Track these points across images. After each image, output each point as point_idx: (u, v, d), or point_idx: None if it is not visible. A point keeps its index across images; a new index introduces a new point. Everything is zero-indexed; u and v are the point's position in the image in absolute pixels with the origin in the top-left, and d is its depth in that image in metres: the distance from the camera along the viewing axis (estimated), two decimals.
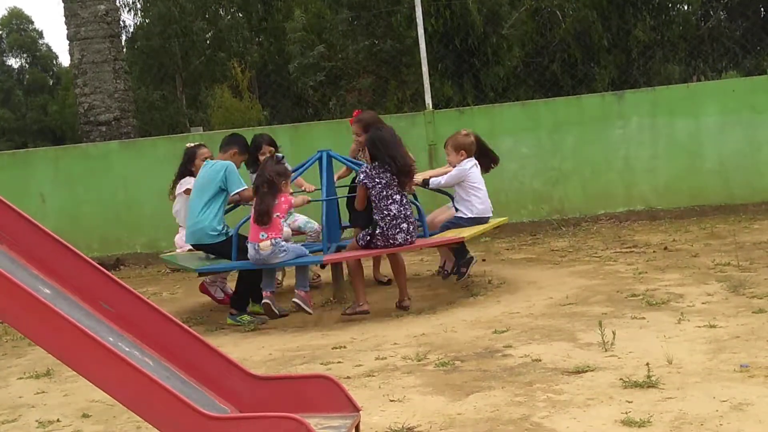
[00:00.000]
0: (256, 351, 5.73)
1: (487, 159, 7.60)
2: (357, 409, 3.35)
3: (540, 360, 4.79)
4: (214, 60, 24.01)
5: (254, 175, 6.92)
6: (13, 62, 48.24)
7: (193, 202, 6.96)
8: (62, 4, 12.74)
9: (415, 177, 6.81)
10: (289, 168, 6.72)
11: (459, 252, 7.27)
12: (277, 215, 6.37)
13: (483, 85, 13.99)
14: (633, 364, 4.52)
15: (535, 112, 10.78)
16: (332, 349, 5.57)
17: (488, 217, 7.32)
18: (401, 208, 6.39)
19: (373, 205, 6.43)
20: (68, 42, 12.79)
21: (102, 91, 12.59)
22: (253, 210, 6.41)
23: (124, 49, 15.43)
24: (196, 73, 24.42)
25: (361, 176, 6.46)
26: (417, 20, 10.93)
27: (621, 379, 4.26)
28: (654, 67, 15.09)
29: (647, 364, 4.35)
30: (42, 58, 47.95)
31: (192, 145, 7.82)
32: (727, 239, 8.40)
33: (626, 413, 3.78)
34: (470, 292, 7.03)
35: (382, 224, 6.36)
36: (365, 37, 16.17)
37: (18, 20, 48.77)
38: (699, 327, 5.19)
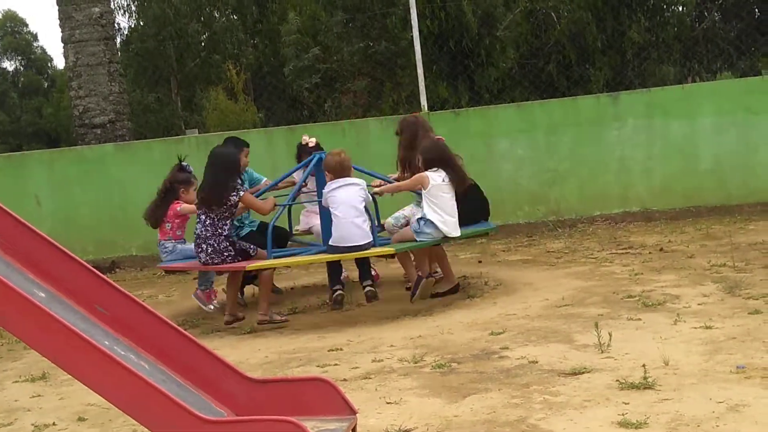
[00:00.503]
0: (252, 354, 5.72)
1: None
2: (354, 412, 3.34)
3: (536, 362, 4.79)
4: (209, 62, 23.99)
5: None
6: (8, 65, 48.17)
7: None
8: (57, 7, 12.72)
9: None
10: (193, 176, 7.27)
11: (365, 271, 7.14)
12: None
13: (478, 87, 13.99)
14: (629, 365, 4.53)
15: (530, 113, 10.78)
16: (329, 351, 5.56)
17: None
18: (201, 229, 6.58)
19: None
20: (63, 45, 12.77)
21: (97, 93, 12.57)
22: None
23: (119, 52, 15.41)
24: (191, 76, 24.42)
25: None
26: (412, 22, 10.93)
27: (617, 380, 4.26)
28: (649, 68, 15.11)
29: (643, 365, 4.35)
30: (37, 60, 47.87)
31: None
32: (722, 240, 8.41)
33: (623, 415, 3.78)
34: (466, 294, 7.02)
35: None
36: (360, 39, 16.17)
37: (12, 23, 48.69)
38: (695, 328, 5.19)
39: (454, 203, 6.71)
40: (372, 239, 6.51)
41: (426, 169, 6.70)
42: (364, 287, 6.96)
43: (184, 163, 7.41)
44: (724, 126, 10.41)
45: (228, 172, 6.65)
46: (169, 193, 7.30)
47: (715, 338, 4.93)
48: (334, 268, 7.09)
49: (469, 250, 9.28)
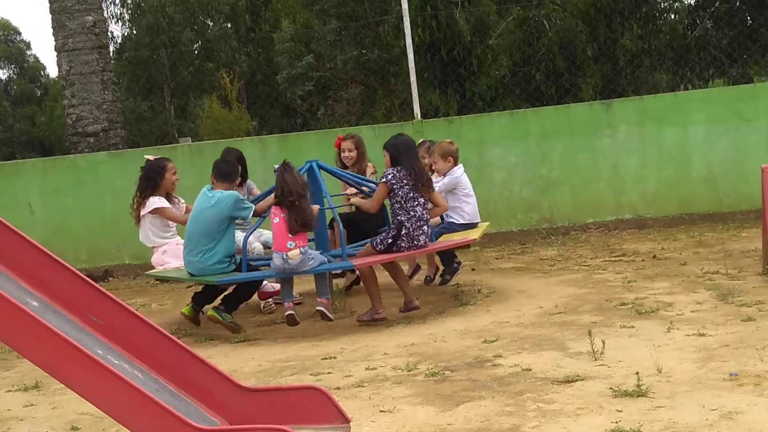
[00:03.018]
0: (245, 362, 5.71)
1: None
2: (347, 420, 3.34)
3: (530, 369, 4.79)
4: (202, 70, 24.02)
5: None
6: (1, 73, 48.12)
7: (199, 237, 6.61)
8: (50, 16, 12.71)
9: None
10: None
11: (447, 258, 7.48)
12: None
13: (470, 95, 14.02)
14: (623, 373, 4.53)
15: (523, 121, 10.80)
16: (322, 359, 5.56)
17: (477, 222, 7.51)
18: (423, 211, 6.58)
19: (398, 206, 6.54)
20: (56, 53, 12.76)
21: (90, 102, 12.56)
22: (288, 220, 6.26)
23: (112, 60, 15.40)
24: (185, 84, 24.44)
25: (389, 177, 6.55)
26: (405, 30, 10.94)
27: (611, 388, 4.27)
28: (641, 75, 15.15)
29: (637, 373, 4.36)
30: (30, 69, 47.82)
31: (153, 158, 7.41)
32: (715, 247, 8.43)
33: (616, 422, 3.79)
34: (460, 302, 7.03)
35: (408, 225, 6.49)
36: (353, 47, 16.20)
37: (5, 31, 48.66)
38: (688, 335, 5.20)
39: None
40: None
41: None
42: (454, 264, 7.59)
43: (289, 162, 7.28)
44: (717, 133, 10.44)
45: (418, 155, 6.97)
46: (304, 196, 6.87)
47: (709, 345, 4.94)
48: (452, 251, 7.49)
49: (462, 258, 9.27)
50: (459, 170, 7.43)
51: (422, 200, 6.58)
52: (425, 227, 6.58)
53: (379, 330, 6.31)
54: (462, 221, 7.37)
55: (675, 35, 15.39)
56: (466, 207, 7.39)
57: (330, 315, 6.48)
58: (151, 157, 7.42)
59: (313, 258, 6.34)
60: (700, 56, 15.57)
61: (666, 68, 16.09)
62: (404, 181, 6.53)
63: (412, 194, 6.52)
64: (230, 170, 6.92)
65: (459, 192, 7.39)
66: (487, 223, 8.05)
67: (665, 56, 15.34)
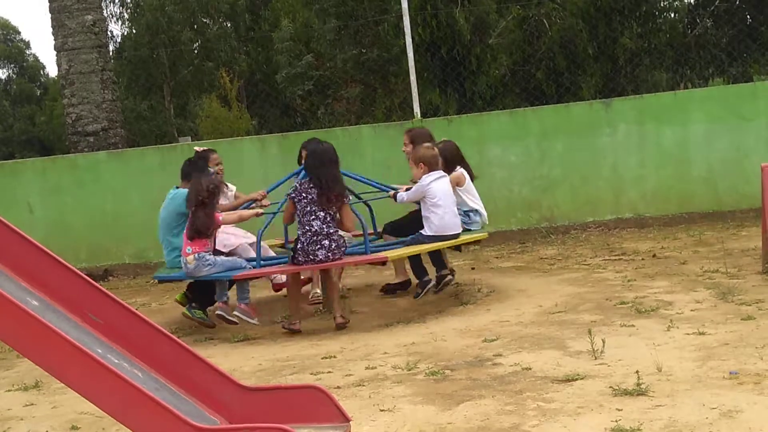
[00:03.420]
0: (245, 361, 5.71)
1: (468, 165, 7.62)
2: (347, 420, 3.34)
3: (530, 368, 4.79)
4: (202, 70, 24.00)
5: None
6: (0, 73, 48.11)
7: (163, 234, 7.13)
8: (49, 15, 12.71)
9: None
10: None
11: (418, 271, 7.17)
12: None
13: (470, 94, 14.02)
14: (623, 371, 4.53)
15: (523, 120, 10.80)
16: (322, 359, 5.56)
17: (453, 234, 6.95)
18: (324, 225, 6.36)
19: (298, 219, 6.45)
20: (56, 52, 12.75)
21: (90, 101, 12.56)
22: (188, 226, 6.56)
23: (112, 60, 15.40)
24: (184, 83, 24.43)
25: (290, 191, 6.52)
26: (405, 29, 10.94)
27: (611, 387, 4.27)
28: (641, 74, 15.15)
29: (637, 371, 4.36)
30: (29, 68, 47.82)
31: (201, 149, 7.63)
32: (715, 246, 8.43)
33: (616, 421, 3.79)
34: (460, 301, 7.03)
35: (303, 239, 6.36)
36: (353, 46, 16.20)
37: (5, 30, 48.65)
38: (688, 334, 5.20)
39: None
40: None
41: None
42: (444, 276, 7.18)
43: (211, 169, 7.31)
44: (717, 132, 10.44)
45: (338, 166, 6.66)
46: (209, 201, 6.78)
47: (708, 344, 4.94)
48: (417, 260, 7.14)
49: (462, 257, 9.28)
50: (428, 178, 6.88)
51: (322, 214, 6.35)
52: (326, 242, 6.33)
53: (378, 329, 6.31)
54: (430, 233, 6.83)
55: (675, 34, 15.38)
56: (433, 218, 6.83)
57: (250, 320, 6.75)
58: (199, 149, 7.64)
59: (210, 264, 6.51)
60: (699, 55, 15.56)
61: (666, 67, 16.08)
62: (304, 194, 6.38)
63: (309, 208, 6.35)
64: (188, 170, 7.20)
65: (428, 201, 6.87)
66: (483, 234, 7.60)
67: (665, 55, 15.33)
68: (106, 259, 10.84)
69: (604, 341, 4.97)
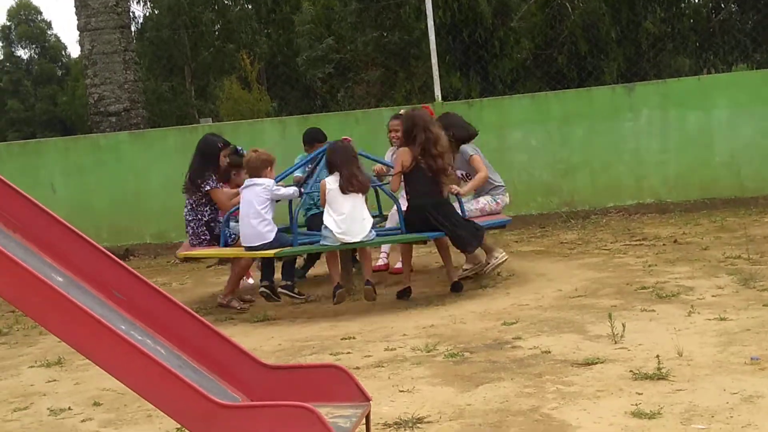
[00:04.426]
0: (265, 341, 5.75)
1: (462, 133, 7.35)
2: (367, 399, 3.35)
3: (549, 352, 4.79)
4: (223, 51, 24.01)
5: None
6: (22, 53, 48.37)
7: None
8: None
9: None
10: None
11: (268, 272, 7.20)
12: None
13: (492, 77, 13.96)
14: (643, 356, 4.52)
15: (544, 104, 10.76)
16: (341, 339, 5.58)
17: (251, 246, 6.58)
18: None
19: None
20: (78, 32, 12.80)
21: (112, 81, 12.61)
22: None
23: (134, 40, 15.44)
24: (205, 65, 24.44)
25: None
26: (427, 12, 10.90)
27: (631, 371, 4.26)
28: (664, 59, 15.04)
29: (657, 356, 4.34)
30: (51, 48, 48.05)
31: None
32: (737, 232, 8.37)
33: (636, 405, 3.78)
34: (479, 284, 7.03)
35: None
36: (374, 29, 16.15)
37: (26, 11, 48.87)
38: (709, 320, 5.18)
39: (355, 207, 6.38)
40: (270, 240, 6.45)
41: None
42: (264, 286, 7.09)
43: (239, 148, 7.45)
44: (740, 118, 10.36)
45: (205, 158, 6.99)
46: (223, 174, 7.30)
47: (730, 330, 4.92)
48: (267, 263, 7.15)
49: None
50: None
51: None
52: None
53: (397, 311, 6.32)
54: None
55: (699, 19, 15.26)
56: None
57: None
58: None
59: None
60: (724, 40, 15.42)
61: (689, 52, 15.95)
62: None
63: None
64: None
65: None
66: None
67: (689, 40, 15.22)
68: (128, 238, 10.92)
69: (624, 326, 4.96)
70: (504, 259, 7.14)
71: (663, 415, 3.64)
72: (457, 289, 6.71)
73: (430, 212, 6.45)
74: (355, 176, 6.38)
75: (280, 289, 7.05)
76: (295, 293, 7.04)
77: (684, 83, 10.86)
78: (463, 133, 7.33)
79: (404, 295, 6.71)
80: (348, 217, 6.31)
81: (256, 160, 6.68)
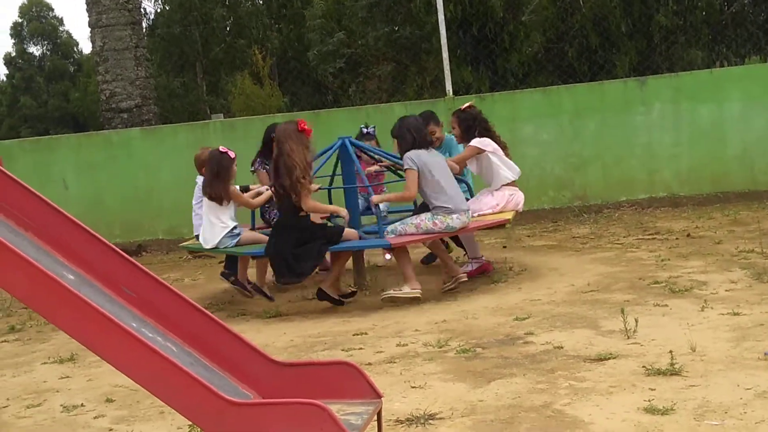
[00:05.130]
0: (277, 337, 5.75)
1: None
2: (379, 396, 3.35)
3: (562, 347, 4.78)
4: (234, 47, 24.01)
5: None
6: (34, 50, 48.52)
7: None
8: None
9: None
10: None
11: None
12: None
13: (503, 71, 13.91)
14: (656, 351, 4.50)
15: (556, 98, 10.72)
16: (353, 335, 5.57)
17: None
18: None
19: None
20: (90, 29, 12.83)
21: (123, 78, 12.63)
22: None
23: (145, 37, 15.45)
24: (217, 60, 24.44)
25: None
26: (437, 6, 10.88)
27: (644, 366, 4.24)
28: (676, 52, 14.94)
29: (670, 351, 4.33)
30: (63, 45, 48.18)
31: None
32: (750, 226, 8.33)
33: (649, 401, 3.77)
34: (491, 279, 7.01)
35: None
36: (384, 23, 16.11)
37: (38, 8, 49.01)
38: (722, 314, 5.15)
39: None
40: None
41: None
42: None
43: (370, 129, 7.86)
44: (753, 111, 10.30)
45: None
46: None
47: (743, 325, 4.89)
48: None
49: (493, 236, 9.26)
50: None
51: None
52: None
53: (409, 307, 6.32)
54: None
55: (711, 11, 15.14)
56: None
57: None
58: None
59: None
60: (736, 33, 15.30)
61: (702, 45, 15.84)
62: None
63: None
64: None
65: None
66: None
67: (701, 32, 15.10)
68: (140, 234, 10.95)
69: (637, 321, 4.94)
70: (413, 295, 6.46)
71: (676, 411, 3.63)
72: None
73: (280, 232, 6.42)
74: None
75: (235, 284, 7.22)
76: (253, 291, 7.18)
77: (696, 76, 10.80)
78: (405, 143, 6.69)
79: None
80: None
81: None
